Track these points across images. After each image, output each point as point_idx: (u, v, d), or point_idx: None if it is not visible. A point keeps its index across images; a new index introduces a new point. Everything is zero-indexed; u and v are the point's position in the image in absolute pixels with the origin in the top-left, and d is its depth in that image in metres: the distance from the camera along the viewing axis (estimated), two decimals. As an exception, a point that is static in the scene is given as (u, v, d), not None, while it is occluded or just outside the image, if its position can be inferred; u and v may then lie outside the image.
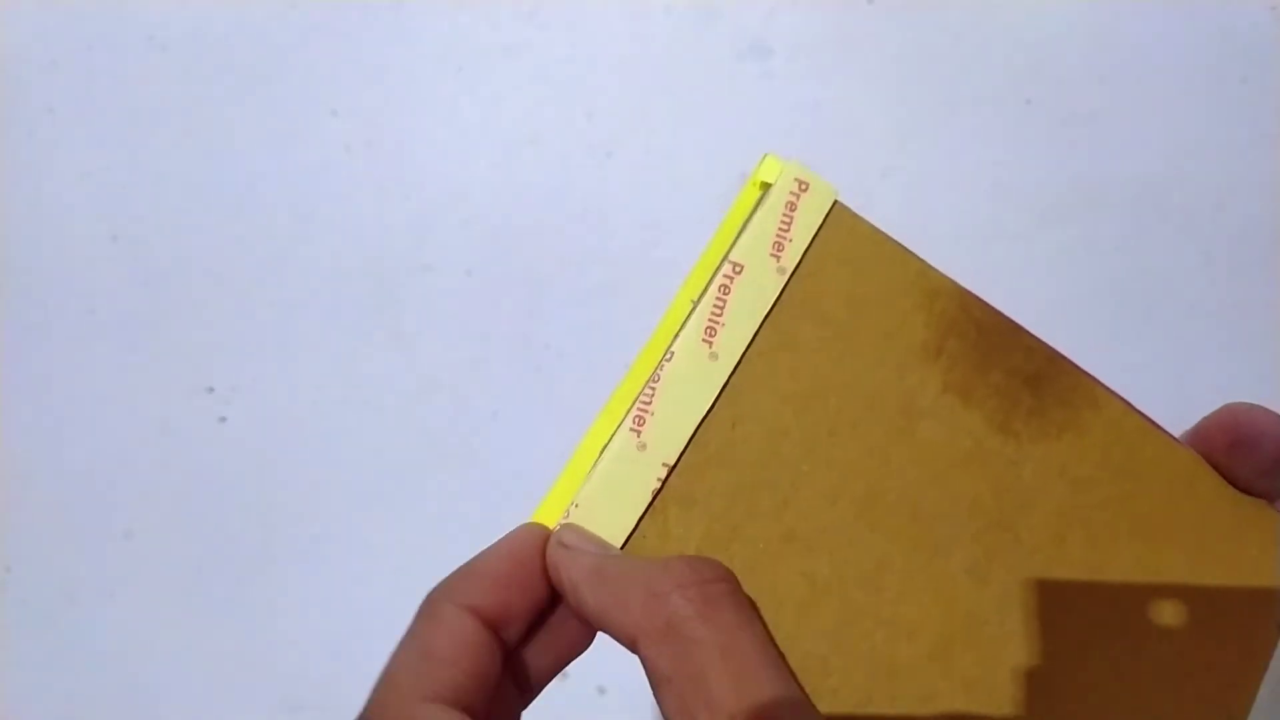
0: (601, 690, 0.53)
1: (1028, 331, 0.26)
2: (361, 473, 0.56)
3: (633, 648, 0.19)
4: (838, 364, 0.26)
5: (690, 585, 0.20)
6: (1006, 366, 0.26)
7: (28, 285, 0.57)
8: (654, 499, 0.24)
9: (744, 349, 0.25)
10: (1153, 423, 0.26)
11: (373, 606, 0.55)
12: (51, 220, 0.57)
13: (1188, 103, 0.59)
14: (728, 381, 0.25)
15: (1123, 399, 0.26)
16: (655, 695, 0.19)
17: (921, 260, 0.26)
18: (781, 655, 0.20)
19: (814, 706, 0.19)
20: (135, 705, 0.54)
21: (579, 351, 0.57)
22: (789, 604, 0.21)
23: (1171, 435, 0.26)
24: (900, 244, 0.26)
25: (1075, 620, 0.24)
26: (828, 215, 0.26)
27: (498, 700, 0.21)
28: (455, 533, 0.55)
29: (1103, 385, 0.26)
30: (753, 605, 0.20)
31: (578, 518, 0.24)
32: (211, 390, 0.56)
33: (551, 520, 0.24)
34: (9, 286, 0.57)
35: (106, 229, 0.57)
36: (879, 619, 0.24)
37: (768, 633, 0.20)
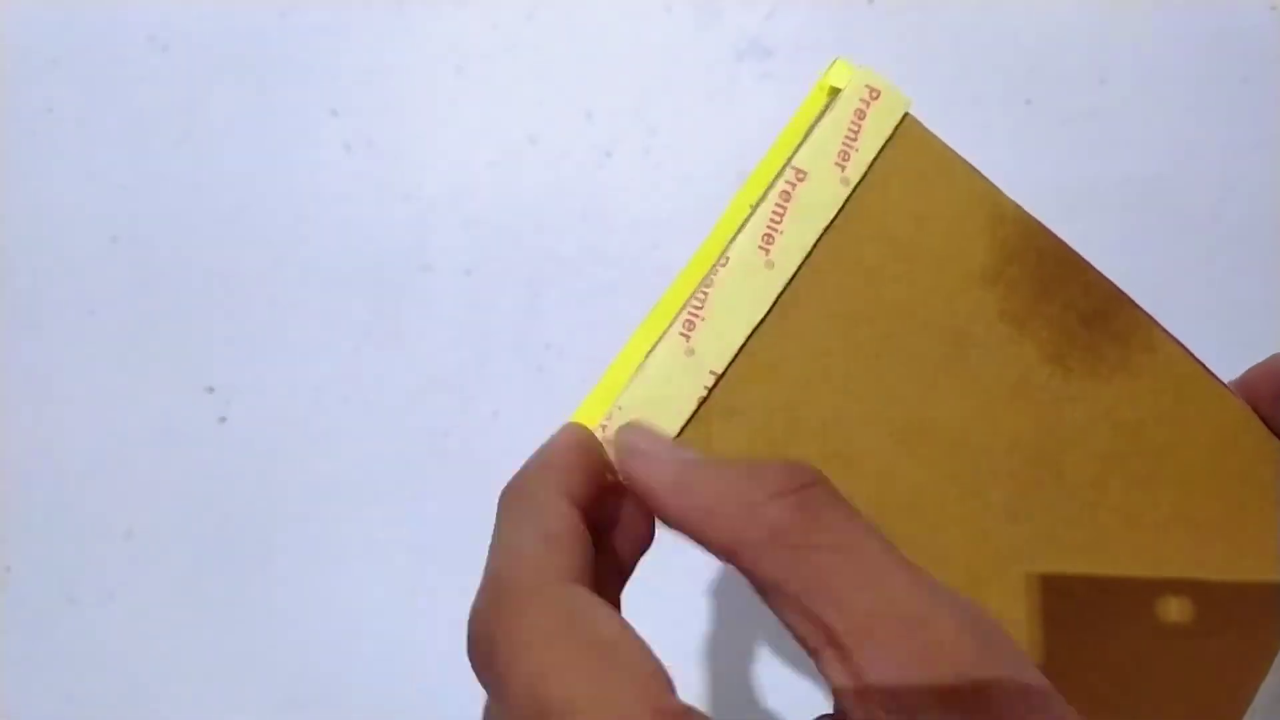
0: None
1: (1092, 267, 0.26)
2: (361, 473, 0.56)
3: (728, 558, 0.18)
4: (893, 283, 0.24)
5: (787, 492, 0.18)
6: (1065, 299, 0.25)
7: (28, 285, 0.57)
8: (699, 407, 0.23)
9: (802, 259, 0.24)
10: (1207, 370, 0.25)
11: (373, 606, 0.55)
12: (51, 220, 0.57)
13: (1188, 103, 0.59)
14: (782, 292, 0.24)
15: (1180, 343, 0.25)
16: (766, 602, 0.18)
17: (989, 182, 0.26)
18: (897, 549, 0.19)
19: (960, 593, 0.18)
20: (135, 705, 0.54)
21: (579, 351, 0.57)
22: None
23: (1224, 384, 0.25)
24: (970, 164, 0.26)
25: (1105, 578, 0.24)
26: (898, 127, 0.25)
27: (601, 584, 0.21)
28: (455, 533, 0.55)
29: (1161, 328, 0.25)
30: (850, 503, 0.19)
31: (620, 422, 0.23)
32: (211, 390, 0.56)
33: (592, 422, 0.23)
34: (9, 286, 0.57)
35: (106, 229, 0.57)
36: (914, 547, 0.23)
37: (876, 528, 0.19)
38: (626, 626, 0.18)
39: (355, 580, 0.55)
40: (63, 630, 0.55)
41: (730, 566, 0.19)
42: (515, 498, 0.20)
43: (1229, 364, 0.61)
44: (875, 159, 0.25)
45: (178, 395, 0.56)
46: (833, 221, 0.24)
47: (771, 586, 0.18)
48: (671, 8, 0.59)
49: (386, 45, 0.59)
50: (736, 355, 0.23)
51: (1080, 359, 0.25)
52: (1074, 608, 0.23)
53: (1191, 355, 0.25)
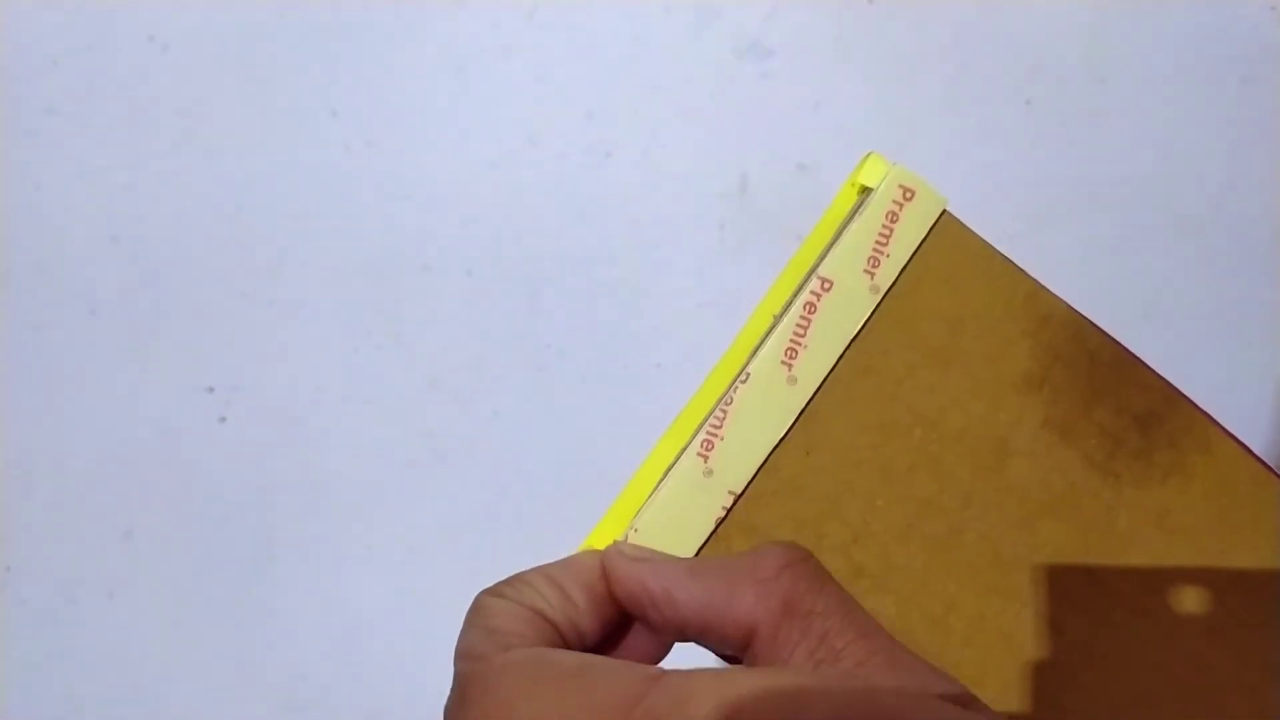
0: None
1: (1147, 366, 0.24)
2: (361, 473, 0.56)
3: (744, 639, 0.19)
4: (928, 393, 0.23)
5: (793, 564, 0.20)
6: (1116, 403, 0.24)
7: (28, 285, 0.57)
8: (717, 527, 0.23)
9: (826, 374, 0.23)
10: (1270, 469, 0.24)
11: (373, 606, 0.55)
12: (51, 220, 0.57)
13: (1188, 103, 0.59)
14: (805, 407, 0.23)
15: (1240, 443, 0.24)
16: None
17: (1035, 281, 0.24)
18: None
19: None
20: (135, 705, 0.54)
21: (579, 351, 0.57)
22: None
23: None
24: (1012, 262, 0.24)
25: (1149, 677, 0.23)
26: (933, 227, 0.24)
27: None
28: (455, 533, 0.55)
29: (1220, 427, 0.24)
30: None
31: (636, 542, 0.23)
32: (211, 390, 0.56)
33: (606, 543, 0.23)
34: (9, 286, 0.57)
35: (106, 229, 0.57)
36: (941, 662, 0.22)
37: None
38: (591, 656, 0.19)
39: (355, 580, 0.55)
40: (63, 630, 0.55)
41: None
42: (470, 611, 0.21)
43: (1228, 364, 0.62)
44: (908, 263, 0.24)
45: (178, 395, 0.56)
46: (860, 331, 0.23)
47: (783, 658, 0.19)
48: (671, 8, 0.59)
49: (386, 45, 0.59)
50: (757, 473, 0.23)
51: (1129, 465, 0.23)
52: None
53: (1253, 455, 0.24)
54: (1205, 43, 0.59)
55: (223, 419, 0.56)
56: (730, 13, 0.59)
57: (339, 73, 0.59)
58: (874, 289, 0.23)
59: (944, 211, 0.24)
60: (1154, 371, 0.24)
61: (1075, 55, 0.59)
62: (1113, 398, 0.24)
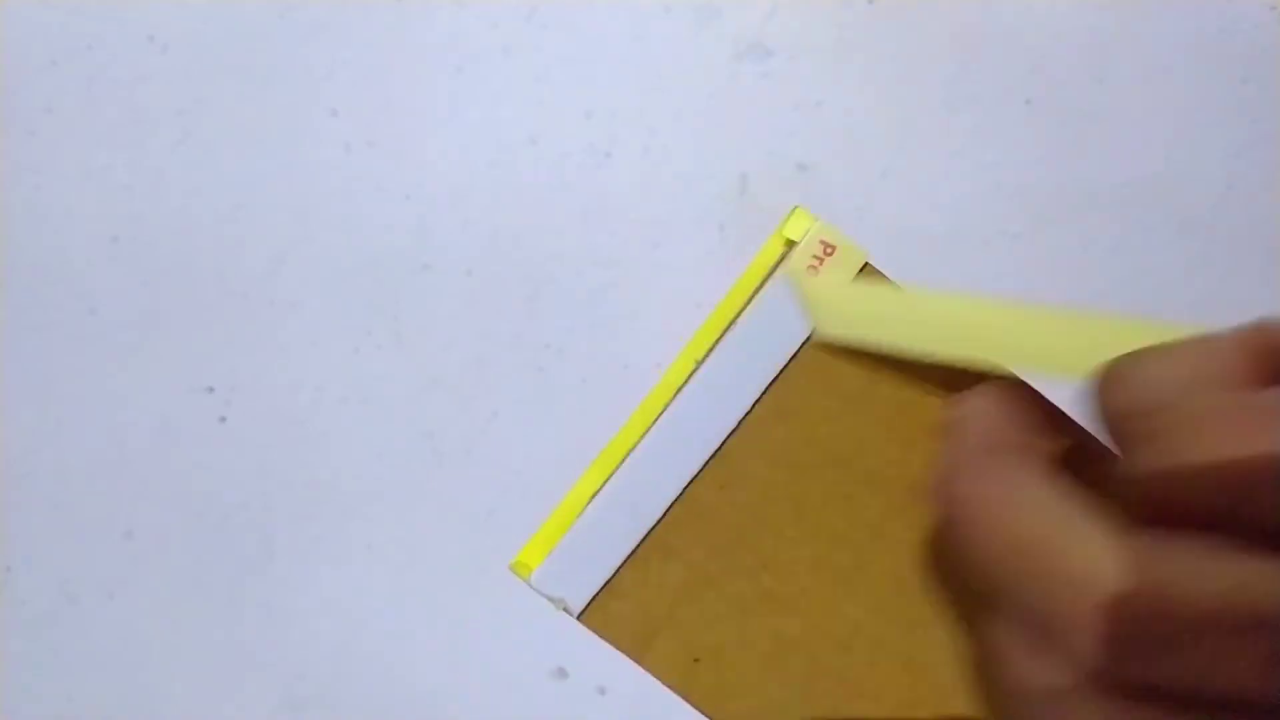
0: (602, 690, 0.53)
1: (1067, 415, 0.25)
2: (361, 473, 0.56)
3: None
4: (842, 436, 0.25)
5: None
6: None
7: (28, 285, 0.57)
8: (637, 547, 0.25)
9: (741, 417, 0.25)
10: None
11: (373, 606, 0.55)
12: (51, 220, 0.57)
13: (1188, 103, 0.59)
14: (723, 443, 0.25)
15: None
16: None
17: None
18: None
19: None
20: (135, 705, 0.54)
21: (579, 351, 0.57)
22: (755, 654, 0.22)
23: None
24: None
25: None
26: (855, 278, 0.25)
27: None
28: (455, 533, 0.55)
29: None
30: None
31: (557, 561, 0.25)
32: (211, 390, 0.56)
33: (537, 560, 0.25)
34: (9, 286, 0.57)
35: (106, 229, 0.57)
36: (843, 679, 0.24)
37: None
38: None
39: (355, 580, 0.55)
40: (63, 630, 0.55)
41: None
42: None
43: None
44: None
45: (178, 395, 0.56)
46: (779, 376, 0.25)
47: None
48: (671, 8, 0.59)
49: (386, 45, 0.59)
50: (675, 502, 0.25)
51: None
52: None
53: None
54: (1205, 43, 0.59)
55: (223, 419, 0.56)
56: (730, 13, 0.59)
57: (339, 72, 0.59)
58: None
59: (865, 264, 0.25)
60: (1074, 421, 0.25)
61: (1075, 55, 0.59)
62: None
